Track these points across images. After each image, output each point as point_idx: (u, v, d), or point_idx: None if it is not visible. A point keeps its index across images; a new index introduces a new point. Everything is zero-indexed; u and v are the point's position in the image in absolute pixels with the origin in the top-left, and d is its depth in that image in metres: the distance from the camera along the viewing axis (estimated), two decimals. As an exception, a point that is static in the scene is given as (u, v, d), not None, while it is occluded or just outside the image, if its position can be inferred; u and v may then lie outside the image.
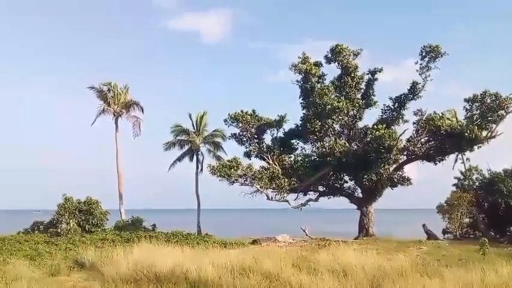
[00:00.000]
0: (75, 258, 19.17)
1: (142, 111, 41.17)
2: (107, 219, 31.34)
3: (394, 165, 33.79)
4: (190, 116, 40.77)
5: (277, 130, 35.64)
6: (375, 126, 32.29)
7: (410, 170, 35.23)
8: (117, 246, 21.58)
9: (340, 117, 34.16)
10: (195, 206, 39.78)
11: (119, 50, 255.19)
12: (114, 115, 39.93)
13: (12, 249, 22.49)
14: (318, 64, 35.66)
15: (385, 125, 31.69)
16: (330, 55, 35.33)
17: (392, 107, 34.98)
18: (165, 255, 15.72)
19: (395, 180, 33.79)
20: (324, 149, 32.79)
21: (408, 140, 33.23)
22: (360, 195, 34.98)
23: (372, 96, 35.61)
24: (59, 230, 28.68)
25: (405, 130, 32.71)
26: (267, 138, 35.73)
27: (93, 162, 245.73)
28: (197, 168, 40.03)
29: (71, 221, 29.32)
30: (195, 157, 40.20)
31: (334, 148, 32.26)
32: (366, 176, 32.16)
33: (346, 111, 33.66)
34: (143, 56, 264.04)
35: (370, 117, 36.07)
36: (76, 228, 29.12)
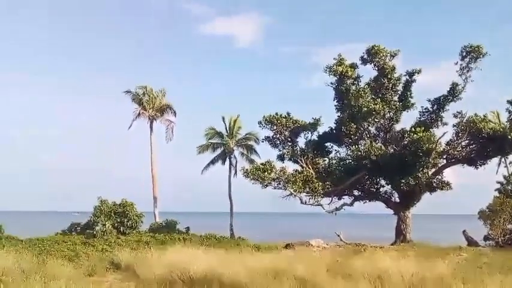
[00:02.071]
0: (111, 259, 19.39)
1: (175, 114, 41.76)
2: (142, 222, 31.72)
3: (433, 169, 32.80)
4: (223, 119, 41.06)
5: (311, 133, 35.30)
6: (413, 129, 31.55)
7: (450, 174, 34.01)
8: (152, 248, 21.79)
9: (376, 120, 33.57)
10: (228, 209, 39.94)
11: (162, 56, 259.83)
12: (149, 118, 40.55)
13: (51, 250, 23.01)
14: (353, 66, 35.08)
15: (423, 128, 30.83)
16: (366, 56, 34.70)
17: (431, 109, 34.04)
18: (199, 258, 15.68)
19: (434, 184, 32.71)
20: (360, 153, 32.16)
21: (448, 143, 32.17)
22: (397, 200, 34.15)
23: (410, 98, 34.71)
24: (94, 232, 29.24)
25: (445, 133, 31.91)
26: (301, 141, 35.49)
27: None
28: (230, 171, 40.19)
29: (106, 222, 29.85)
30: (227, 160, 40.41)
31: (370, 151, 31.60)
32: (403, 180, 31.30)
33: (382, 114, 33.02)
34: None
35: (407, 120, 35.21)
36: (111, 230, 29.58)
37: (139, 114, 40.06)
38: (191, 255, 16.70)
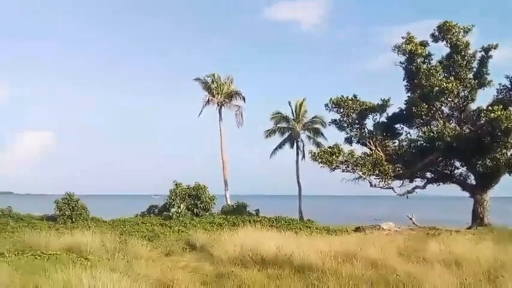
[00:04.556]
0: (186, 240, 20.32)
1: (244, 100, 42.40)
2: (214, 204, 32.89)
3: (513, 150, 30.90)
4: (289, 103, 41.24)
5: (380, 115, 34.33)
6: (490, 108, 29.75)
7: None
8: (224, 229, 22.59)
9: (449, 99, 32.06)
10: (296, 191, 40.28)
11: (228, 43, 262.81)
12: (218, 105, 41.54)
13: (131, 231, 24.59)
14: (423, 44, 33.61)
15: (501, 106, 28.99)
16: (437, 33, 33.03)
17: (510, 86, 31.86)
18: (269, 240, 16.03)
19: (514, 165, 30.84)
20: (432, 134, 30.97)
21: (529, 122, 30.04)
22: (473, 182, 32.59)
23: (486, 75, 32.71)
24: (170, 214, 30.79)
25: (526, 111, 29.67)
26: (369, 124, 34.66)
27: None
28: (297, 155, 40.39)
29: (181, 205, 31.33)
30: (295, 144, 40.62)
31: (443, 132, 30.33)
32: (479, 162, 29.80)
33: (456, 93, 31.47)
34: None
35: (483, 98, 33.27)
36: (186, 212, 31.02)
37: (208, 101, 41.14)
38: (262, 237, 17.11)
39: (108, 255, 15.57)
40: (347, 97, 33.89)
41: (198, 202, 31.67)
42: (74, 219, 29.21)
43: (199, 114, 41.60)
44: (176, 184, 32.61)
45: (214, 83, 41.68)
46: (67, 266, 10.41)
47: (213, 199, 32.67)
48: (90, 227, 24.34)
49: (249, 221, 27.43)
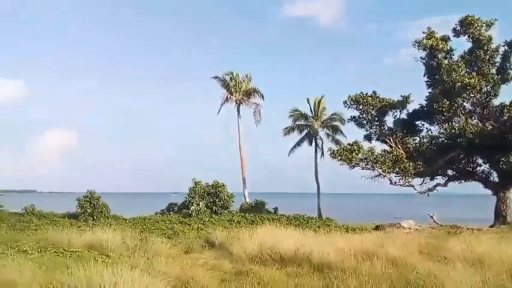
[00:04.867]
0: (205, 238, 20.43)
1: (263, 97, 42.39)
2: (233, 202, 32.98)
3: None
4: (308, 100, 41.06)
5: (400, 111, 33.92)
6: (513, 104, 29.19)
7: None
8: (243, 227, 22.63)
9: (471, 95, 31.50)
10: (313, 190, 40.10)
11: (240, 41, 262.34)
12: (236, 102, 41.63)
13: (151, 228, 24.85)
14: (445, 38, 33.04)
15: (525, 102, 28.44)
16: (458, 27, 32.44)
17: (535, 80, 31.16)
18: (288, 238, 15.98)
19: (538, 163, 30.11)
20: (454, 130, 30.50)
21: (555, 118, 29.34)
22: (496, 179, 31.99)
23: (509, 70, 31.97)
24: (190, 211, 30.99)
25: (551, 106, 29.02)
26: (389, 120, 34.30)
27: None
28: (316, 152, 40.20)
29: (200, 202, 31.50)
30: (313, 141, 40.45)
31: (465, 129, 29.83)
32: (502, 159, 29.17)
33: (478, 88, 30.88)
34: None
35: (507, 94, 32.56)
36: (205, 209, 31.18)
37: (227, 98, 41.27)
38: (281, 235, 17.07)
39: (128, 253, 15.73)
40: (366, 93, 33.61)
41: (217, 200, 31.81)
42: (95, 217, 29.64)
43: (218, 112, 41.85)
44: (195, 182, 32.78)
45: (233, 80, 41.79)
46: (89, 263, 10.51)
47: (232, 197, 32.77)
48: (111, 224, 24.55)
49: (268, 219, 27.46)
